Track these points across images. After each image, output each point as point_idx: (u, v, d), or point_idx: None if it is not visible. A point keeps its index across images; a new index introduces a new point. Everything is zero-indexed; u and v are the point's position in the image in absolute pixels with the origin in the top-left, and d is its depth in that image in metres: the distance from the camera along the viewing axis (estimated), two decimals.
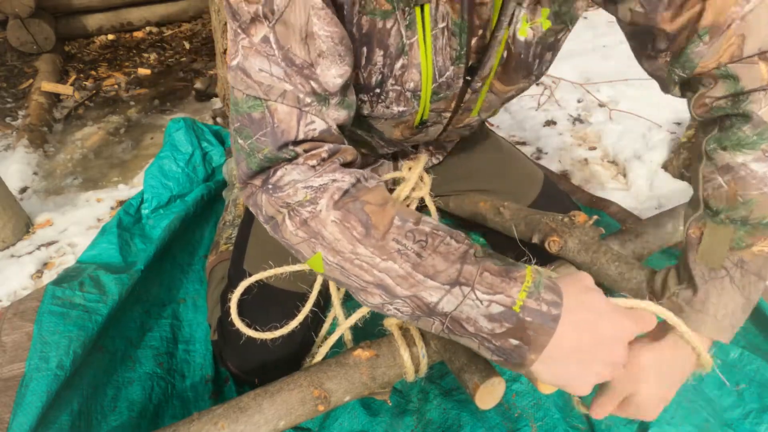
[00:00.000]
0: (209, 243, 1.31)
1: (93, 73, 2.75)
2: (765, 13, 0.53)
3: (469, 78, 0.68)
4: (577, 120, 2.03)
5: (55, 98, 2.42)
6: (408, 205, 0.93)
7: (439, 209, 1.14)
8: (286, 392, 0.62)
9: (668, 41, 0.59)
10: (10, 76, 2.67)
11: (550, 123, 2.03)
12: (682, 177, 1.55)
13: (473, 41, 0.63)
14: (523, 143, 1.92)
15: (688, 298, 0.62)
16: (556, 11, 0.65)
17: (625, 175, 1.68)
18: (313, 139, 0.57)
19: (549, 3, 0.64)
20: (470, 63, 0.66)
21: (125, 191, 1.73)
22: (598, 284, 0.57)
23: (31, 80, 2.57)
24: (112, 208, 1.64)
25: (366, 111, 0.70)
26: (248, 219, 0.98)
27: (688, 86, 0.63)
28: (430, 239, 0.54)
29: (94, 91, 2.55)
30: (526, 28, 0.64)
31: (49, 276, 1.37)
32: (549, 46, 0.69)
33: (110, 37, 3.11)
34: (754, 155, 0.57)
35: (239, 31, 0.54)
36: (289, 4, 0.52)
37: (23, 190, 1.80)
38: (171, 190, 1.36)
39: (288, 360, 0.90)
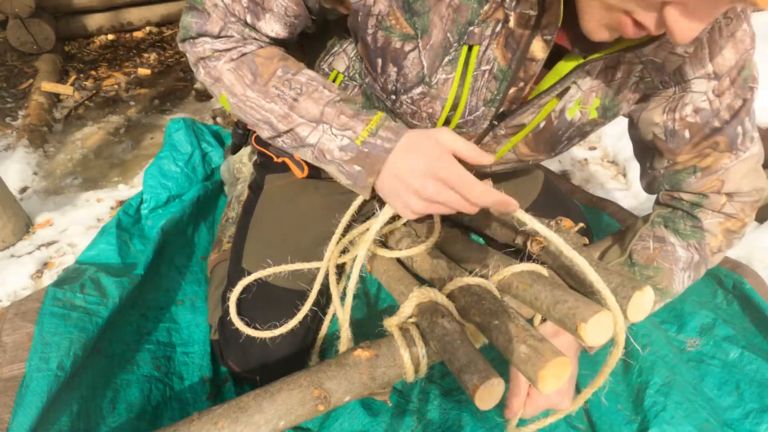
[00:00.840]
0: (206, 244, 1.31)
1: (93, 73, 2.75)
2: (739, 169, 0.72)
3: (495, 123, 0.69)
4: None
5: (55, 98, 2.42)
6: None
7: None
8: (286, 392, 0.62)
9: (669, 165, 0.76)
10: (10, 76, 2.67)
11: None
12: None
13: (512, 90, 0.64)
14: None
15: None
16: (605, 105, 0.70)
17: (625, 175, 1.69)
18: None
19: (602, 96, 0.69)
20: (501, 109, 0.68)
21: (125, 191, 1.73)
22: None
23: (31, 80, 2.57)
24: (112, 208, 1.64)
25: (388, 104, 0.72)
26: (245, 217, 0.97)
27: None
28: (305, 87, 0.65)
29: (94, 91, 2.55)
30: (576, 109, 0.69)
31: (49, 276, 1.37)
32: (582, 133, 0.75)
33: (110, 37, 3.11)
34: (682, 243, 0.76)
35: None
36: None
37: (23, 190, 1.80)
38: (170, 190, 1.36)
39: (290, 358, 0.90)
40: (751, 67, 0.68)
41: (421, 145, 0.59)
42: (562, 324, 0.62)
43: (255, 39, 0.69)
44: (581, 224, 0.79)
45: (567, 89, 0.66)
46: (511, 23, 0.58)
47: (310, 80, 0.66)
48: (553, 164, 1.76)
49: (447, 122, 0.69)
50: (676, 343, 1.00)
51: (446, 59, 0.62)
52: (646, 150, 0.80)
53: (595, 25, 0.53)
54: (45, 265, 1.42)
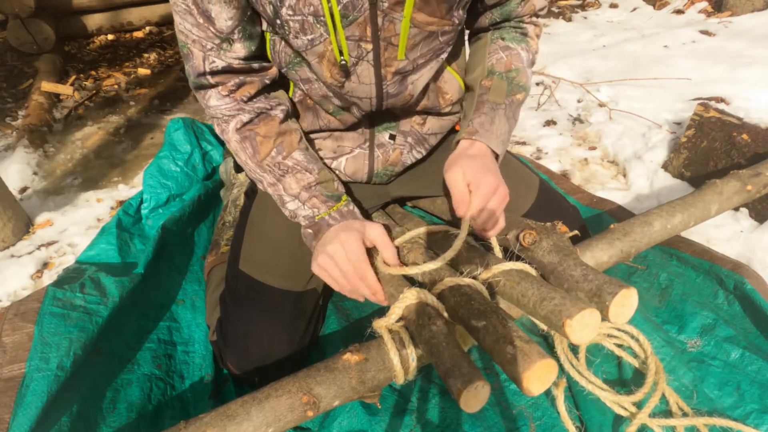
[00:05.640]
0: (207, 243, 1.31)
1: (93, 73, 2.75)
2: None
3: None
4: (577, 120, 2.03)
5: (55, 98, 2.43)
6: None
7: (425, 210, 1.14)
8: (274, 399, 0.61)
9: (499, 2, 0.89)
10: (10, 76, 2.67)
11: (550, 123, 2.03)
12: (682, 177, 1.55)
13: None
14: (523, 143, 1.92)
15: (480, 122, 0.88)
16: None
17: (625, 175, 1.68)
18: (218, 72, 0.78)
19: None
20: None
21: (125, 191, 1.73)
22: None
23: (31, 80, 2.57)
24: (112, 208, 1.64)
25: (289, 49, 0.79)
26: (242, 221, 0.98)
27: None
28: (289, 170, 0.84)
29: (94, 91, 2.55)
30: None
31: (49, 276, 1.37)
32: None
33: (110, 37, 3.11)
34: (520, 47, 0.93)
35: None
36: None
37: (23, 190, 1.80)
38: (170, 189, 1.36)
39: (289, 360, 0.90)
40: None
41: (349, 229, 0.79)
42: (548, 321, 0.61)
43: (238, 66, 0.78)
44: (576, 232, 0.81)
45: None
46: None
47: (295, 164, 0.84)
48: (553, 164, 1.76)
49: (331, 15, 0.70)
50: (676, 344, 1.00)
51: None
52: None
53: None
54: (45, 265, 1.42)
